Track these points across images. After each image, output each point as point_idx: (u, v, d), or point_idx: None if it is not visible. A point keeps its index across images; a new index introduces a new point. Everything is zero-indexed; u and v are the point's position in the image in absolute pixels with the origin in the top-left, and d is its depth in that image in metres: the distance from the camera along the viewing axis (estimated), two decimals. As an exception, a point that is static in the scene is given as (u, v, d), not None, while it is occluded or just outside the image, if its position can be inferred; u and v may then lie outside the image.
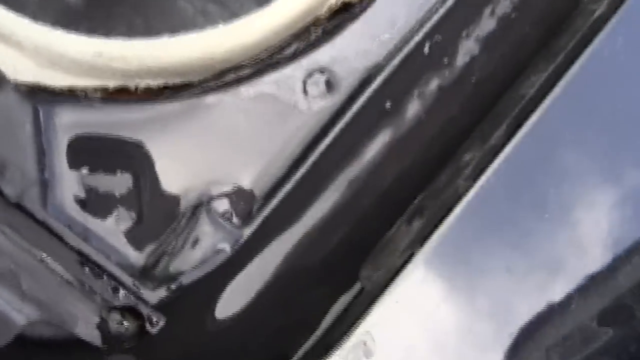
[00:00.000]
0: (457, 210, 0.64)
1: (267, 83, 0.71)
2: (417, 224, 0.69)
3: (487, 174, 0.64)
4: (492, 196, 0.65)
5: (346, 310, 0.71)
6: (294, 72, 0.72)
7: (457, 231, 0.64)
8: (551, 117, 0.65)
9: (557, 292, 0.65)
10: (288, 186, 0.71)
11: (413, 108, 0.74)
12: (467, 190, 0.64)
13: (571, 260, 0.65)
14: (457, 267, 0.64)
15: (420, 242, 0.64)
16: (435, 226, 0.64)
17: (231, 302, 0.71)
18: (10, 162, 0.65)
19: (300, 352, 0.71)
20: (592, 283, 0.66)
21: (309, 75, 0.72)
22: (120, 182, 0.69)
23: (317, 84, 0.72)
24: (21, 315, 0.64)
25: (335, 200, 0.73)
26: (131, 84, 0.69)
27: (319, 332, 0.72)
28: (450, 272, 0.64)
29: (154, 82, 0.69)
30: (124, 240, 0.69)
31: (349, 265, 0.72)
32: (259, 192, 0.71)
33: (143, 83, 0.69)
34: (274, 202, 0.71)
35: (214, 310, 0.71)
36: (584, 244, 0.65)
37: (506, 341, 0.64)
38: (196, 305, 0.71)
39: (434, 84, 0.73)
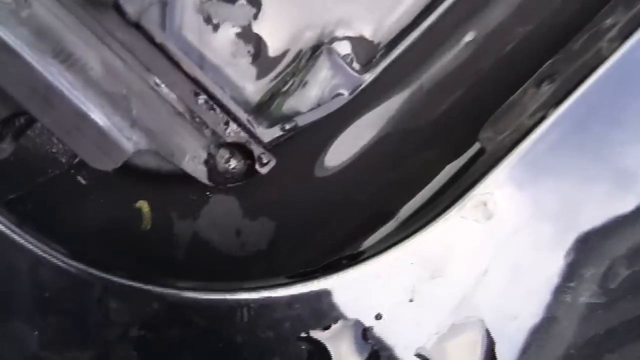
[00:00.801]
0: (600, 71, 0.59)
1: None
2: (547, 87, 0.64)
3: (637, 36, 0.59)
4: (637, 63, 0.60)
5: (460, 172, 0.67)
6: None
7: (597, 96, 0.60)
8: None
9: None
10: (412, 37, 0.67)
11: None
12: (612, 52, 0.60)
13: None
14: (593, 134, 0.60)
15: (553, 105, 0.60)
16: (572, 88, 0.60)
17: (342, 150, 0.69)
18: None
19: (407, 208, 0.68)
20: None
21: None
22: (240, 12, 0.65)
23: None
24: (130, 142, 0.62)
25: (457, 57, 0.69)
26: None
27: (427, 192, 0.69)
28: (584, 139, 0.60)
29: None
30: (241, 73, 0.65)
31: (464, 129, 0.69)
32: (382, 38, 0.67)
33: None
34: (397, 51, 0.67)
35: (324, 156, 0.69)
36: None
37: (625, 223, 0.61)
38: (308, 149, 0.68)
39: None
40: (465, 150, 0.68)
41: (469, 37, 0.69)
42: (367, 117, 0.69)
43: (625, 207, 0.60)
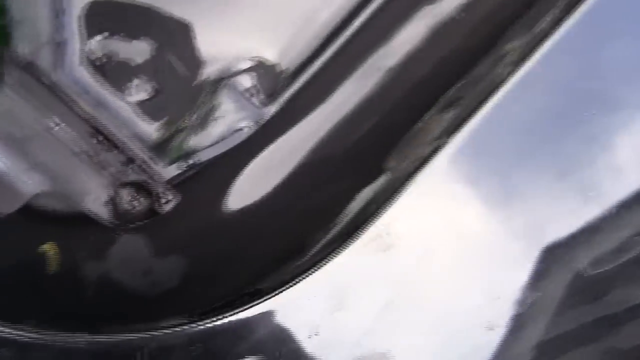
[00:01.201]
0: (495, 98, 0.59)
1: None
2: (450, 114, 0.64)
3: (531, 61, 0.59)
4: (534, 85, 0.59)
5: (368, 202, 0.67)
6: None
7: (493, 122, 0.59)
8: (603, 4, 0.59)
9: (593, 196, 0.60)
10: (315, 66, 0.66)
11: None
12: (507, 76, 0.59)
13: (612, 164, 0.60)
14: (488, 161, 0.60)
15: (453, 130, 0.60)
16: (469, 115, 0.59)
17: (248, 184, 0.68)
18: (26, 18, 0.61)
19: (319, 241, 0.67)
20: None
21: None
22: (139, 50, 0.65)
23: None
24: (29, 184, 0.61)
25: (364, 86, 0.69)
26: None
27: (339, 224, 0.68)
28: (480, 166, 0.60)
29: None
30: (140, 111, 0.65)
31: (375, 157, 0.68)
32: (285, 69, 0.67)
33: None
34: (300, 81, 0.66)
35: (229, 192, 0.68)
36: (630, 149, 0.60)
37: (532, 252, 0.60)
38: (211, 185, 0.68)
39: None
40: (375, 179, 0.68)
41: (380, 62, 0.69)
42: (274, 148, 0.68)
43: (515, 240, 0.59)
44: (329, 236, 0.67)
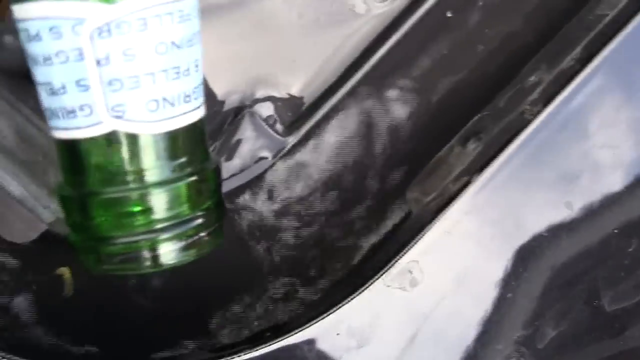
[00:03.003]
0: (522, 137, 0.59)
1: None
2: (472, 146, 0.64)
3: (558, 101, 0.59)
4: (561, 125, 0.60)
5: (390, 233, 0.67)
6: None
7: (520, 161, 0.59)
8: (635, 40, 0.60)
9: (616, 233, 0.61)
10: (338, 95, 0.66)
11: (474, 19, 0.68)
12: (535, 115, 0.59)
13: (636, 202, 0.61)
14: (515, 199, 0.60)
15: (478, 169, 0.60)
16: (496, 153, 0.59)
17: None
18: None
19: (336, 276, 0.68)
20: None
21: (370, -23, 0.66)
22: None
23: (378, -13, 0.66)
24: (48, 210, 0.60)
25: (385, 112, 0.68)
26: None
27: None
28: (507, 205, 0.60)
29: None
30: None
31: (395, 190, 0.68)
32: (306, 99, 0.66)
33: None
34: (323, 111, 0.66)
35: (249, 220, 0.67)
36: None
37: (554, 284, 0.61)
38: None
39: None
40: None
41: (393, 92, 0.68)
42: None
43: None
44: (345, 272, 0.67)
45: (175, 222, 0.47)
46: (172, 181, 0.47)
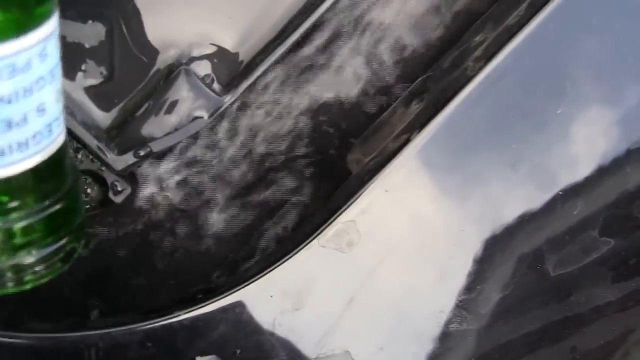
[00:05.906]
0: (464, 93, 0.57)
1: None
2: (415, 107, 0.62)
3: (501, 56, 0.57)
4: (503, 81, 0.58)
5: (331, 197, 0.65)
6: None
7: (461, 117, 0.58)
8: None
9: (561, 195, 0.59)
10: (276, 54, 0.64)
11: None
12: (477, 72, 0.57)
13: (582, 161, 0.59)
14: (456, 157, 0.58)
15: (418, 126, 0.58)
16: (438, 109, 0.58)
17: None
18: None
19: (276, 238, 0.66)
20: (600, 189, 0.60)
21: None
22: (90, 33, 0.61)
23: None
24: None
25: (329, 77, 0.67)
26: None
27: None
28: (448, 163, 0.58)
29: None
30: (91, 97, 0.62)
31: (337, 150, 0.66)
32: (243, 57, 0.64)
33: None
34: (260, 70, 0.64)
35: (184, 182, 0.65)
36: (598, 146, 0.59)
37: (497, 247, 0.59)
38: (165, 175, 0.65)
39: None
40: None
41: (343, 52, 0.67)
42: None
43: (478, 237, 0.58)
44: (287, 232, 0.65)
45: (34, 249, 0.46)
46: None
